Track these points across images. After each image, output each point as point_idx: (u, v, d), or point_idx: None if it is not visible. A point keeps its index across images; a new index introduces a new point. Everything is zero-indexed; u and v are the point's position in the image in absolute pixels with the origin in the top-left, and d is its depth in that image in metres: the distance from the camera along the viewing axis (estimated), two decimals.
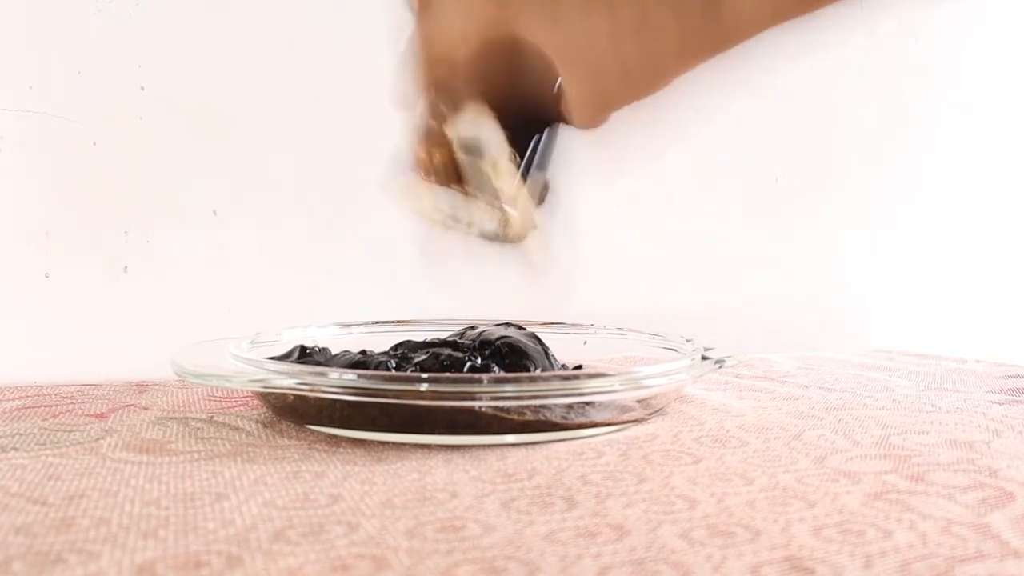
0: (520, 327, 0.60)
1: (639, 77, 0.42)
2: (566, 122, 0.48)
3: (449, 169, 0.48)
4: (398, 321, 0.69)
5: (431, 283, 0.79)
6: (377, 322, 0.69)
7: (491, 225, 0.49)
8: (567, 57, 0.42)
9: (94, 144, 0.71)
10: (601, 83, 0.42)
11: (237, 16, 0.75)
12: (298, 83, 0.78)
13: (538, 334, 0.60)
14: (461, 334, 0.59)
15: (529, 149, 0.48)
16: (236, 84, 0.76)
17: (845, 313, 1.05)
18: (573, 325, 0.68)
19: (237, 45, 0.76)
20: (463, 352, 0.54)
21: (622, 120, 0.44)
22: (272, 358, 0.55)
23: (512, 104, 0.47)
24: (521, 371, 0.54)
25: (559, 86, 0.46)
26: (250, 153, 0.76)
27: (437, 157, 0.48)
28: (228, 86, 0.76)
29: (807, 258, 1.03)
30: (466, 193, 0.48)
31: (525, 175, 0.48)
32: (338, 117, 0.79)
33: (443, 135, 0.47)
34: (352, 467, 0.44)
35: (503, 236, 0.50)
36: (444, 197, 0.50)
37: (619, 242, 0.92)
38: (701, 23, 0.39)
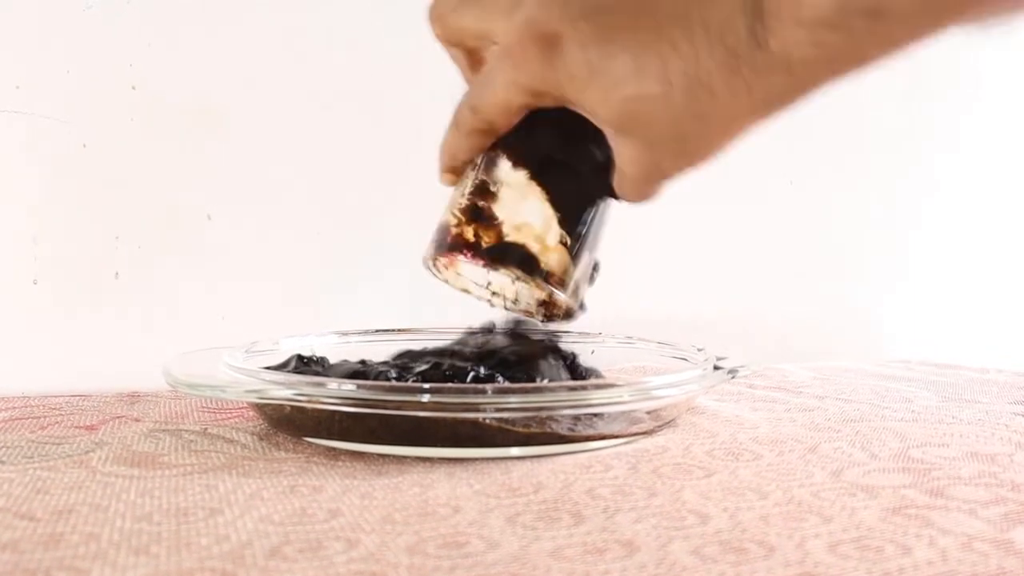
0: (526, 335, 0.60)
1: (694, 142, 0.42)
2: (616, 197, 0.48)
3: (500, 254, 0.48)
4: (399, 330, 0.69)
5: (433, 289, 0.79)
6: (377, 330, 0.69)
7: (536, 304, 0.50)
8: (619, 123, 0.42)
9: (84, 146, 0.71)
10: (655, 151, 0.43)
11: (232, 13, 0.76)
12: (296, 83, 0.78)
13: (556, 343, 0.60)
14: (465, 341, 0.59)
15: (582, 228, 0.49)
16: (232, 83, 0.76)
17: (862, 321, 1.05)
18: (580, 333, 0.68)
19: (233, 43, 0.76)
20: (466, 361, 0.55)
21: None
22: (268, 368, 0.55)
23: (560, 180, 0.48)
24: (526, 381, 0.54)
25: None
26: (246, 155, 0.77)
27: (486, 240, 0.48)
28: (223, 85, 0.76)
29: (822, 263, 1.03)
30: (515, 276, 0.49)
31: (577, 256, 0.48)
32: (337, 118, 0.79)
33: (493, 216, 0.48)
34: (351, 481, 0.44)
35: (549, 316, 0.51)
36: (488, 274, 0.51)
37: (627, 247, 0.92)
38: (754, 75, 0.39)
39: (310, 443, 0.51)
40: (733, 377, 0.56)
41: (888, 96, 1.06)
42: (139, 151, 0.73)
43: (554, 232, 0.48)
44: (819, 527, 0.38)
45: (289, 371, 0.56)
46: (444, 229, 0.49)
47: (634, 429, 0.52)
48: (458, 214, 0.48)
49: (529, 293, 0.50)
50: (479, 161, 0.49)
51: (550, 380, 0.55)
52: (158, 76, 0.73)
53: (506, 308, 0.53)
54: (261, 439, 0.52)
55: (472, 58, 0.49)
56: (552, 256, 0.48)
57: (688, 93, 0.40)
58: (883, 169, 1.06)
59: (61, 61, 0.70)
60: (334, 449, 0.50)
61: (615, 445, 0.51)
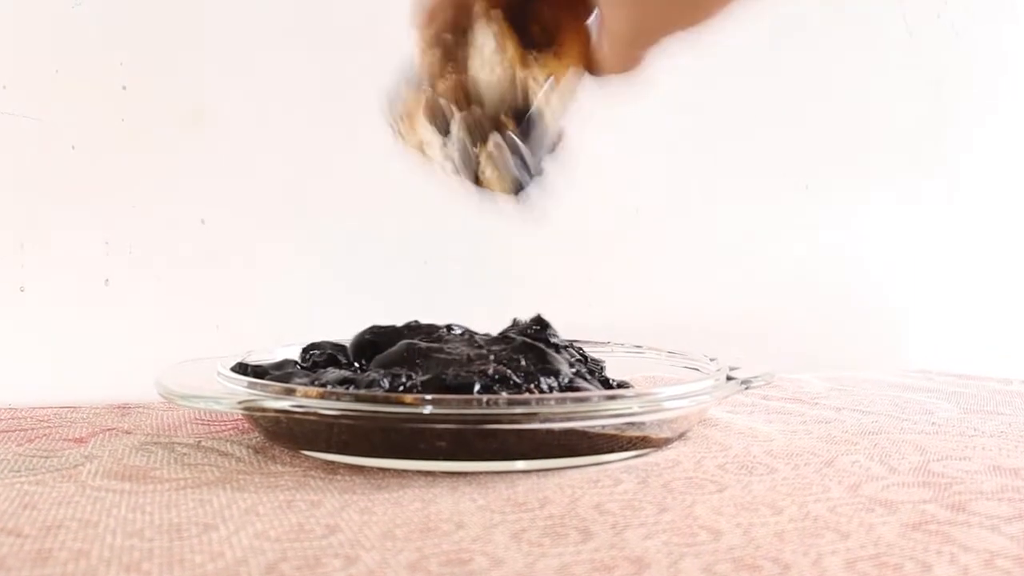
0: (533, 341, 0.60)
1: (684, 2, 0.41)
2: (592, 70, 0.48)
3: (461, 92, 0.48)
4: None
5: (432, 294, 0.79)
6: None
7: (491, 166, 0.49)
8: None
9: (73, 148, 0.71)
10: (646, 5, 0.42)
11: (227, 11, 0.76)
12: (292, 83, 0.78)
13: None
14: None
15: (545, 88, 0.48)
16: (225, 83, 0.76)
17: (881, 329, 1.05)
18: (587, 343, 0.68)
19: (227, 42, 0.76)
20: (481, 348, 0.55)
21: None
22: (256, 373, 0.55)
23: (531, 39, 0.47)
24: (546, 373, 0.54)
25: (595, 17, 0.45)
26: (240, 158, 0.77)
27: (451, 80, 0.47)
28: (217, 85, 0.76)
29: (840, 269, 1.03)
30: (476, 119, 0.48)
31: (540, 114, 0.48)
32: (334, 119, 0.79)
33: (461, 60, 0.47)
34: (350, 495, 0.44)
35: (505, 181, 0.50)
36: (441, 136, 0.50)
37: (636, 252, 0.92)
38: None
39: (307, 456, 0.51)
40: (746, 388, 0.57)
41: (906, 96, 1.05)
42: (130, 153, 0.73)
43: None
44: (836, 544, 0.38)
45: (274, 376, 0.55)
46: (417, 87, 0.49)
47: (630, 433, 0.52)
48: (432, 71, 0.48)
49: (494, 159, 0.50)
50: (455, 15, 0.48)
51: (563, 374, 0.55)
52: (149, 76, 0.74)
53: (459, 173, 0.52)
54: (257, 452, 0.53)
55: None
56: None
57: None
58: (902, 171, 1.06)
59: (49, 60, 0.71)
60: (332, 462, 0.50)
61: (624, 459, 0.51)
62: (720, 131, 0.96)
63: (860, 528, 0.40)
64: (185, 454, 0.52)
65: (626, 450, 0.52)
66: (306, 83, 0.79)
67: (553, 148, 0.51)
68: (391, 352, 0.56)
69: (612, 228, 0.91)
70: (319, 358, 0.60)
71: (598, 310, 0.87)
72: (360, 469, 0.49)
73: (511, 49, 0.47)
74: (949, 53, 1.07)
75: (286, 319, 0.78)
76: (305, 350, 0.61)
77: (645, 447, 0.53)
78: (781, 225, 1.00)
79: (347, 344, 0.61)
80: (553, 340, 0.60)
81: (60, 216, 0.71)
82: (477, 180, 0.50)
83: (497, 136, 0.48)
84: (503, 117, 0.47)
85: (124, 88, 0.73)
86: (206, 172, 0.76)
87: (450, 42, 0.48)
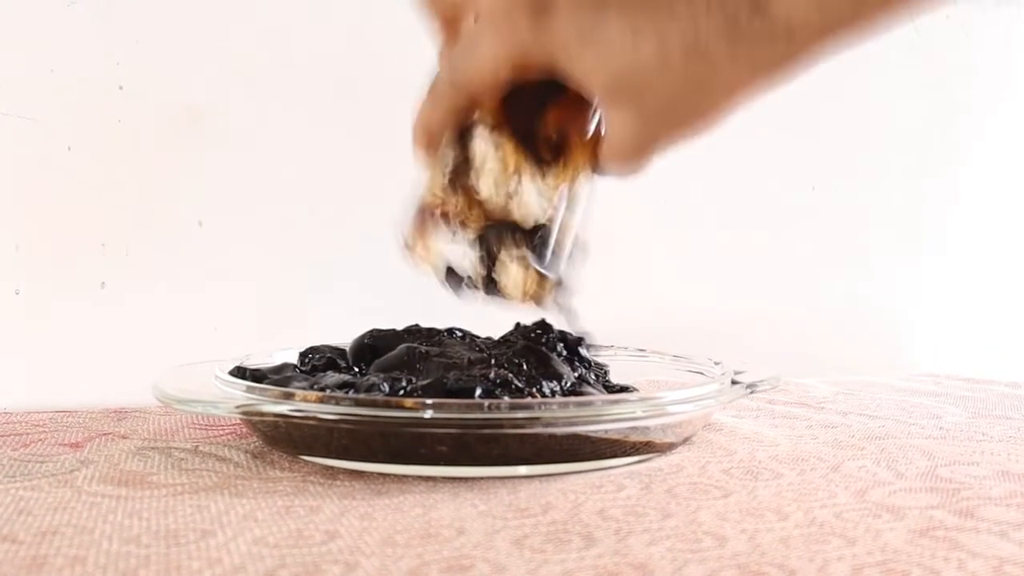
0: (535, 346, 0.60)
1: (689, 113, 0.42)
2: (599, 170, 0.48)
3: (473, 216, 0.49)
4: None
5: (432, 298, 0.79)
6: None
7: (518, 284, 0.50)
8: (612, 93, 0.42)
9: (68, 149, 0.71)
10: (648, 121, 0.42)
11: (225, 9, 0.76)
12: (291, 82, 0.78)
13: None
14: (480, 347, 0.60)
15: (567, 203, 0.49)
16: (224, 83, 0.76)
17: (888, 333, 1.05)
18: (590, 346, 0.68)
19: (225, 41, 0.76)
20: (484, 353, 0.55)
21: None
22: (255, 377, 0.55)
23: (539, 152, 0.48)
24: (548, 377, 0.54)
25: (598, 124, 0.46)
26: (239, 158, 0.77)
27: (471, 217, 0.48)
28: (215, 85, 0.76)
29: (846, 271, 1.03)
30: (501, 251, 0.49)
31: (563, 232, 0.49)
32: (333, 120, 0.80)
33: (475, 192, 0.48)
34: (350, 501, 0.44)
35: (534, 298, 0.51)
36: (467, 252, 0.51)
37: (640, 254, 0.92)
38: (754, 42, 0.39)
39: (306, 461, 0.51)
40: (752, 392, 0.56)
41: (913, 96, 1.05)
42: (126, 154, 0.73)
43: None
44: (842, 550, 0.38)
45: (272, 381, 0.55)
46: (425, 210, 0.49)
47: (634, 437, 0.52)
48: (440, 193, 0.48)
49: (511, 273, 0.50)
50: (458, 135, 0.48)
51: (565, 379, 0.55)
52: (146, 75, 0.73)
53: (486, 292, 0.52)
54: (255, 457, 0.53)
55: (449, 28, 0.48)
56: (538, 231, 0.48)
57: (685, 62, 0.39)
58: (909, 172, 1.06)
59: (44, 59, 0.71)
60: (332, 467, 0.50)
61: (628, 464, 0.51)
62: (723, 131, 0.95)
63: (867, 534, 0.40)
64: (182, 459, 0.52)
65: (630, 455, 0.52)
66: (306, 83, 0.79)
67: (577, 260, 0.51)
68: (391, 356, 0.56)
69: (614, 230, 0.91)
70: (318, 362, 0.60)
71: (600, 313, 0.87)
72: (360, 474, 0.49)
73: (524, 170, 0.47)
74: (957, 54, 1.07)
75: (285, 322, 0.78)
76: (304, 354, 0.61)
77: (649, 452, 0.53)
78: (786, 226, 1.00)
79: (346, 348, 0.61)
80: (556, 344, 0.60)
81: (56, 218, 0.71)
82: (496, 291, 0.51)
83: (514, 252, 0.49)
84: (518, 236, 0.48)
85: (121, 88, 0.73)
86: (204, 173, 0.76)
87: (458, 164, 0.48)
